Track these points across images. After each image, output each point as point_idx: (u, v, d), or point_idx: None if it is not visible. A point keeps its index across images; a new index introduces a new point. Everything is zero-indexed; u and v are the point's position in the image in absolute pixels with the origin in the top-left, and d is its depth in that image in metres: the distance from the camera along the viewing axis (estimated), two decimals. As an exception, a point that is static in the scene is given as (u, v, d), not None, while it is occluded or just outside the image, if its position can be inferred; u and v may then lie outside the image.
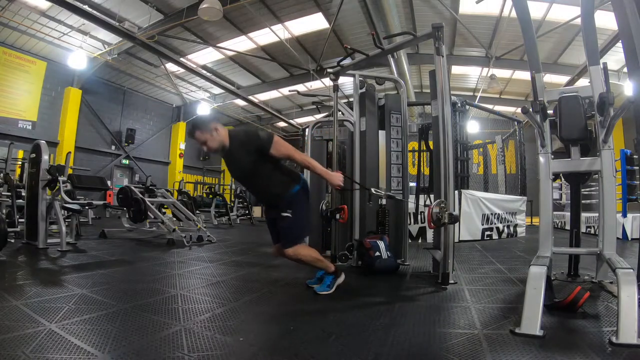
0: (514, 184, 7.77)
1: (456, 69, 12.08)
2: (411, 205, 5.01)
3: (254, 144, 2.29)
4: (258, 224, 10.48)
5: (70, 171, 6.78)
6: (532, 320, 1.70)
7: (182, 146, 15.81)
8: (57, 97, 11.22)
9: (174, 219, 6.31)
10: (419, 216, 5.85)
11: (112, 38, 9.83)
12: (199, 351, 1.49)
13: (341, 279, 2.63)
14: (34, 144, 4.59)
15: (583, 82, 8.82)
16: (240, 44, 10.50)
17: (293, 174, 2.48)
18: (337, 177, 2.47)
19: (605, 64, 2.27)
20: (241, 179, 2.53)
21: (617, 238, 2.84)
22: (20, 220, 4.83)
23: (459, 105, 5.93)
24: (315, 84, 12.80)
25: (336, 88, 3.80)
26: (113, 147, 13.24)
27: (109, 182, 9.37)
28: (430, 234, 5.44)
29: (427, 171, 5.79)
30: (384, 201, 3.66)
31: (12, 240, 4.42)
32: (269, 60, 11.39)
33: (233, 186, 12.91)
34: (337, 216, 3.37)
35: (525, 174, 7.54)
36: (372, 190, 3.17)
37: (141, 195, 5.59)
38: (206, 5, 7.08)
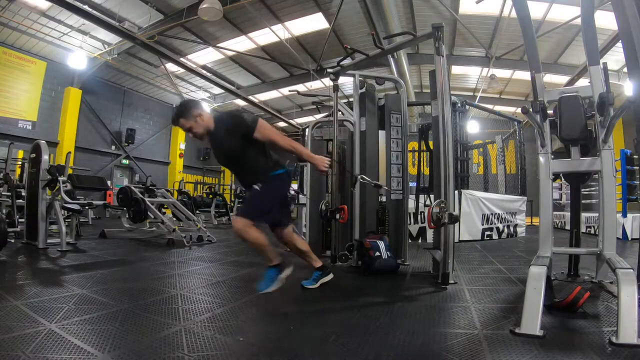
0: (514, 184, 7.77)
1: (456, 69, 12.08)
2: (411, 205, 5.01)
3: (239, 127, 2.29)
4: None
5: (70, 171, 6.77)
6: (532, 320, 1.70)
7: (182, 146, 15.81)
8: (57, 97, 11.21)
9: (174, 219, 6.31)
10: (419, 216, 5.85)
11: (112, 38, 9.83)
12: (199, 351, 1.49)
13: (328, 277, 2.66)
14: (34, 144, 4.59)
15: (583, 82, 8.81)
16: (240, 44, 10.50)
17: (278, 162, 2.45)
18: (321, 161, 2.42)
19: (605, 64, 2.27)
20: (226, 162, 2.52)
21: (617, 238, 2.84)
22: (20, 220, 4.83)
23: (459, 105, 5.93)
24: (315, 84, 12.79)
25: (336, 88, 3.80)
26: (113, 147, 13.24)
27: (109, 182, 9.37)
28: (430, 234, 5.44)
29: (427, 171, 5.80)
30: (383, 198, 3.66)
31: (12, 240, 4.42)
32: (269, 60, 11.39)
33: (233, 186, 12.92)
34: (337, 216, 3.38)
35: (525, 174, 7.54)
36: (359, 178, 3.17)
37: (141, 195, 5.59)
38: (206, 5, 7.08)
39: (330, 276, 2.71)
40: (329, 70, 3.93)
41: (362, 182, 3.44)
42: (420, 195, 5.66)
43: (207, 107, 2.44)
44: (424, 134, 5.74)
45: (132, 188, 5.68)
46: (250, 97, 13.54)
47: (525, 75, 9.28)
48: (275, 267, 2.39)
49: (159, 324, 1.81)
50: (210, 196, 10.48)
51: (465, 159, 6.28)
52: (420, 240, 5.83)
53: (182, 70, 11.43)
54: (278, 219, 2.51)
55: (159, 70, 12.37)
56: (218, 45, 10.34)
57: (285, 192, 2.53)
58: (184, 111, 2.32)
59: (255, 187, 2.35)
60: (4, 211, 5.47)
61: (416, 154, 6.50)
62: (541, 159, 2.41)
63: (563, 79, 10.49)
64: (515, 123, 7.74)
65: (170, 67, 11.89)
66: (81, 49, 10.00)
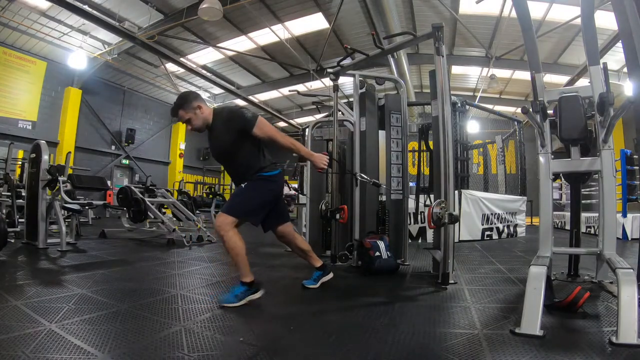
0: (514, 184, 7.77)
1: (456, 69, 12.09)
2: (411, 205, 5.01)
3: (238, 123, 2.25)
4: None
5: (70, 171, 6.77)
6: (532, 320, 1.70)
7: (182, 146, 15.81)
8: (57, 97, 11.21)
9: (174, 219, 6.31)
10: (419, 216, 5.85)
11: (112, 38, 9.83)
12: (199, 351, 1.49)
13: (328, 277, 2.69)
14: (34, 144, 4.59)
15: (583, 82, 8.81)
16: (240, 44, 10.51)
17: (272, 163, 2.39)
18: (320, 159, 2.39)
19: (605, 64, 2.26)
20: (221, 158, 2.45)
21: (617, 238, 2.84)
22: (20, 220, 4.83)
23: (459, 105, 5.93)
24: (315, 84, 12.80)
25: (336, 88, 3.80)
26: (113, 147, 13.24)
27: (109, 182, 9.36)
28: (430, 234, 5.44)
29: (427, 171, 5.80)
30: (383, 197, 3.66)
31: (12, 240, 4.42)
32: (269, 60, 11.39)
33: (233, 186, 12.91)
34: (337, 216, 3.38)
35: (525, 174, 7.54)
36: (358, 175, 3.18)
37: (141, 195, 5.59)
38: (206, 5, 7.08)
39: (331, 275, 2.72)
40: (329, 70, 3.93)
41: (361, 182, 3.45)
42: (420, 195, 5.65)
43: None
44: (424, 134, 5.73)
45: (132, 188, 5.68)
46: (250, 97, 13.54)
47: (525, 75, 9.29)
48: (245, 285, 2.21)
49: (159, 324, 1.81)
50: (210, 196, 10.48)
51: (465, 159, 6.28)
52: (420, 240, 5.83)
53: (182, 70, 11.42)
54: (274, 218, 2.46)
55: (159, 70, 12.36)
56: (218, 45, 10.34)
57: (276, 194, 2.42)
58: (184, 102, 2.29)
59: (243, 184, 2.30)
60: (4, 211, 5.47)
61: (416, 154, 6.49)
62: (541, 159, 2.40)
63: (563, 79, 10.49)
64: (515, 123, 7.75)
65: (170, 67, 11.88)
66: (81, 49, 10.00)
